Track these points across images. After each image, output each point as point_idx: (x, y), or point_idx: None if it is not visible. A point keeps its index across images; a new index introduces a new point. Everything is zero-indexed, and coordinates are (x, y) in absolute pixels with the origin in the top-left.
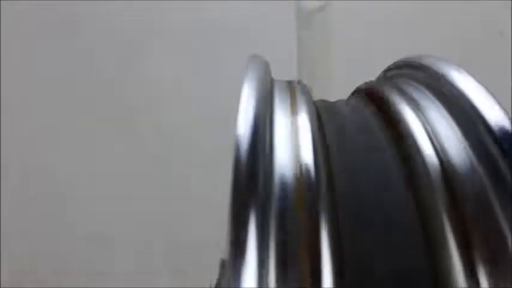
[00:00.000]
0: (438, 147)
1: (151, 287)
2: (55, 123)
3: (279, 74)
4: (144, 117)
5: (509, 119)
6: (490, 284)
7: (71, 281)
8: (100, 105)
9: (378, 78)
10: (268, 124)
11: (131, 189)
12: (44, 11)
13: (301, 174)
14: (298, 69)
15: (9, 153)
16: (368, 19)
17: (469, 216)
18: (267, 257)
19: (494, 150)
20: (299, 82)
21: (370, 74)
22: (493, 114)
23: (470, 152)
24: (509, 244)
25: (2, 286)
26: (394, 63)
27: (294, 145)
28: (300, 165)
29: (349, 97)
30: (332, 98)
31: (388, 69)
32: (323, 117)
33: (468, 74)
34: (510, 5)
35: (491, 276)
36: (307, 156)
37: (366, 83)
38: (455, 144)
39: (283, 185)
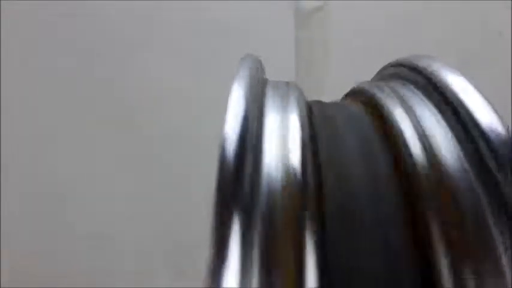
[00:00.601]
0: (428, 148)
1: (151, 287)
2: (55, 123)
3: (277, 73)
4: (144, 117)
5: (500, 119)
6: (476, 284)
7: (71, 281)
8: (100, 105)
9: (373, 79)
10: (257, 124)
11: (131, 189)
12: (44, 11)
13: (288, 174)
14: (295, 68)
15: (9, 153)
16: (366, 19)
17: (457, 217)
18: (250, 257)
19: (485, 151)
20: (292, 83)
21: (368, 74)
22: (483, 114)
23: (461, 153)
24: (496, 244)
25: (2, 286)
26: (389, 63)
27: (282, 145)
28: (287, 166)
29: (343, 98)
30: (329, 99)
31: (383, 69)
32: (315, 118)
33: (462, 75)
34: (510, 5)
35: (477, 276)
36: (295, 157)
37: (359, 84)
38: (445, 144)
39: (269, 184)
